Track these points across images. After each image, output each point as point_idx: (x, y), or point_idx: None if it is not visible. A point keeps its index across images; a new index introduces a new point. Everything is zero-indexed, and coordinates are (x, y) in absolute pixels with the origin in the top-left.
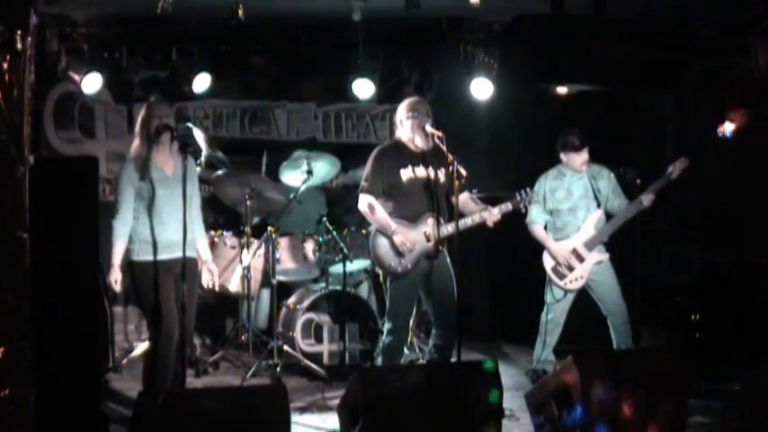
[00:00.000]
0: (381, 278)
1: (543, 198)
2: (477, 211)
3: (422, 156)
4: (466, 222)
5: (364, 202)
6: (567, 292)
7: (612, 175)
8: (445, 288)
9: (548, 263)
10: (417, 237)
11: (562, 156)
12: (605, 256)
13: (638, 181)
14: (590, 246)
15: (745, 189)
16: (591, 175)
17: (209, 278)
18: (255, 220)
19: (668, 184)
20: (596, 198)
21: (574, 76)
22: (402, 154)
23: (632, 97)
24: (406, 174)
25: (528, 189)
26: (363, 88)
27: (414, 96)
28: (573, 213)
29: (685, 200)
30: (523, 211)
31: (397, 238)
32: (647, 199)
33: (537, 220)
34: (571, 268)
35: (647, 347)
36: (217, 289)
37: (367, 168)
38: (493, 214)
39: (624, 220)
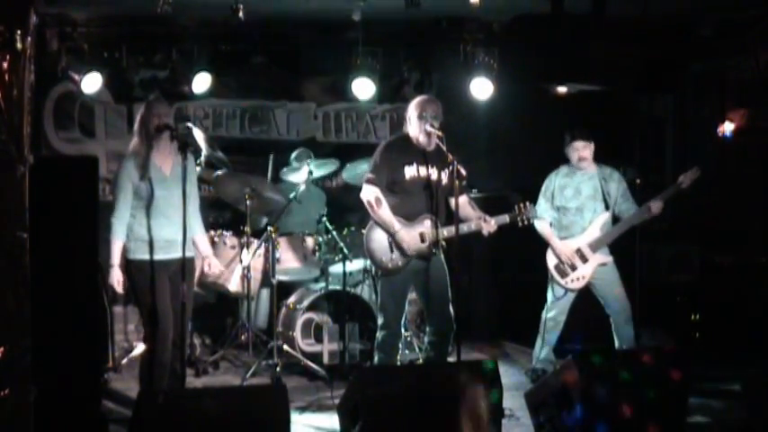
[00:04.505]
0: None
1: (552, 194)
2: (474, 219)
3: (426, 155)
4: (462, 229)
5: (371, 193)
6: (567, 290)
7: (623, 178)
8: (438, 287)
9: (551, 260)
10: (413, 236)
11: (565, 150)
12: (609, 259)
13: (638, 181)
14: (594, 247)
15: (745, 189)
16: (602, 176)
17: (208, 270)
18: (266, 220)
19: (678, 194)
20: (605, 200)
21: (574, 76)
22: (408, 150)
23: (632, 97)
24: (410, 171)
25: (528, 203)
26: (363, 88)
27: (426, 96)
28: (580, 213)
29: (685, 199)
30: (520, 225)
31: (402, 236)
32: (655, 206)
33: (543, 216)
34: (574, 268)
35: (647, 347)
36: (219, 278)
37: (374, 159)
38: (490, 224)
39: (630, 226)
